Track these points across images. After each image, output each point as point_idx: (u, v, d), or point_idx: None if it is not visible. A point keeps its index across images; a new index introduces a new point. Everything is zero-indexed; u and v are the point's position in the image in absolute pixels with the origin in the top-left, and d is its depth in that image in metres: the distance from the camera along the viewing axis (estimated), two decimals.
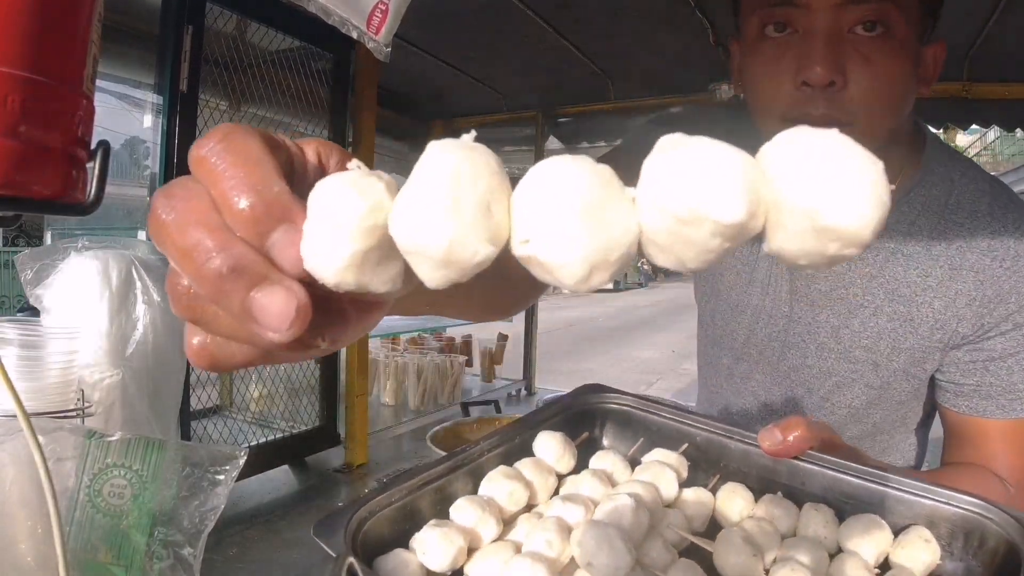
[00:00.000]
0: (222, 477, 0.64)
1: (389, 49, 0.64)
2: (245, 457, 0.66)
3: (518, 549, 0.49)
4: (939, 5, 0.73)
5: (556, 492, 0.58)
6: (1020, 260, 0.71)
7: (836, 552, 0.50)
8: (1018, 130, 1.84)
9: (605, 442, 0.69)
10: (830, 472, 0.55)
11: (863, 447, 0.78)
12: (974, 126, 1.88)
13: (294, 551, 1.10)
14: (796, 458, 0.56)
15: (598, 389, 0.71)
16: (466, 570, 0.48)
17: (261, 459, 1.30)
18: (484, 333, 2.53)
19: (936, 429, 0.84)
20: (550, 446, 0.60)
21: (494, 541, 0.50)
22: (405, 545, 0.47)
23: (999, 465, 0.72)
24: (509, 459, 0.59)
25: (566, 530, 0.47)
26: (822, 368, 0.82)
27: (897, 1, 0.63)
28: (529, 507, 0.55)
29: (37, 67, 0.38)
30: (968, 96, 1.77)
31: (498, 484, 0.54)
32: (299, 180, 0.28)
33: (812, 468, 0.56)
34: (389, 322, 2.30)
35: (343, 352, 1.51)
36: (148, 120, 1.12)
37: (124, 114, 1.27)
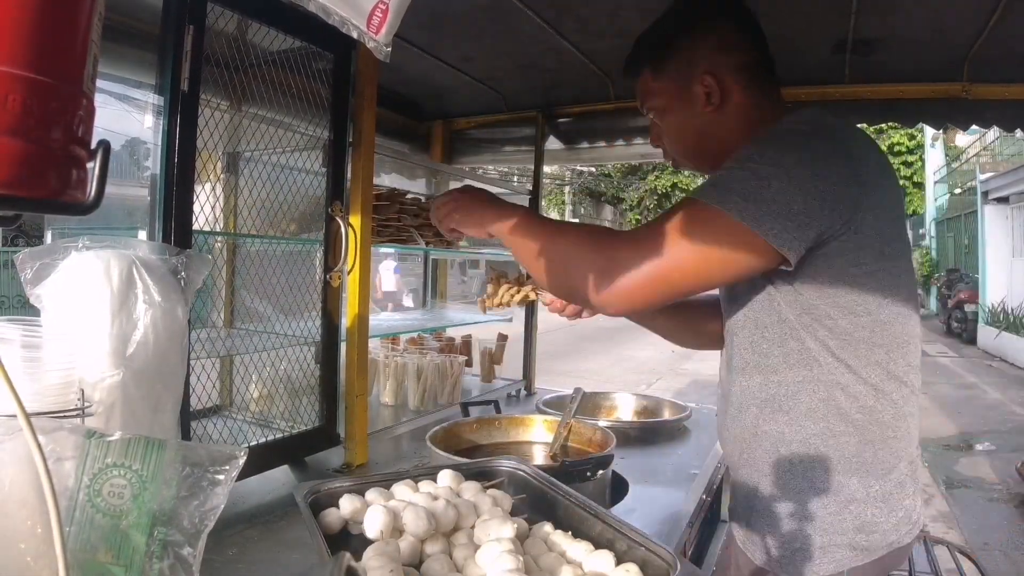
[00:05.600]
0: (222, 477, 0.64)
1: (389, 49, 0.64)
2: (245, 457, 0.66)
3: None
4: (679, 55, 1.06)
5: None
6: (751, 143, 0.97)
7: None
8: (1018, 130, 1.84)
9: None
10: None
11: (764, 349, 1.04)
12: (974, 126, 1.88)
13: (294, 551, 1.10)
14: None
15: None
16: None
17: (261, 459, 1.30)
18: (484, 333, 2.53)
19: None
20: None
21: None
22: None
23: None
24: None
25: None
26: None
27: (655, 98, 1.10)
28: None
29: (37, 67, 0.38)
30: (968, 96, 1.77)
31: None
32: None
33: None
34: (389, 322, 2.30)
35: (343, 352, 1.51)
36: (148, 120, 1.12)
37: (124, 114, 1.26)
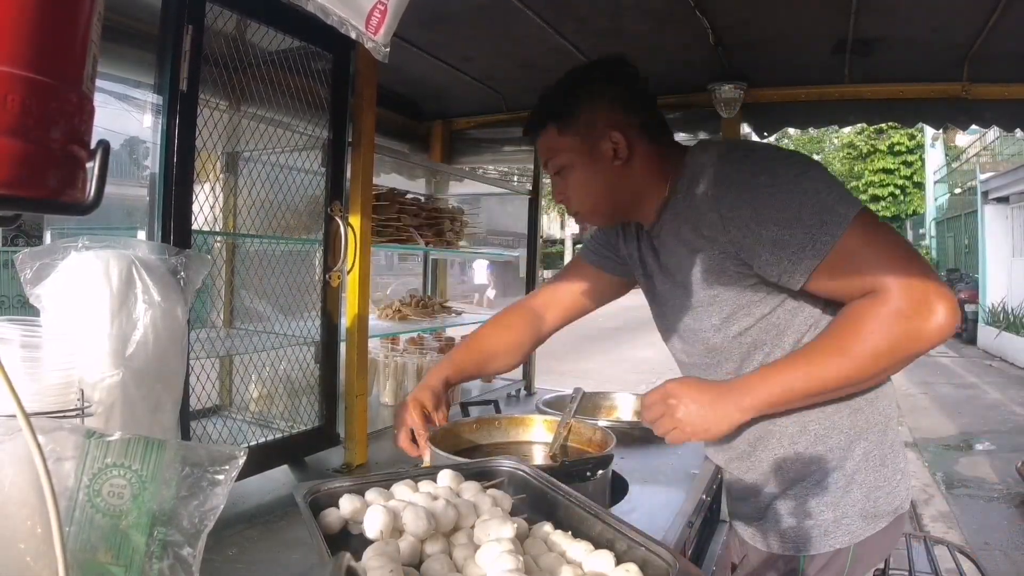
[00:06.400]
0: (222, 477, 0.64)
1: (388, 49, 0.64)
2: (245, 457, 0.66)
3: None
4: (584, 114, 1.10)
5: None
6: (717, 183, 0.98)
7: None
8: (1018, 130, 1.84)
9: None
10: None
11: (759, 359, 1.06)
12: (974, 126, 1.88)
13: (294, 551, 1.10)
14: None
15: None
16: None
17: (261, 459, 1.30)
18: None
19: None
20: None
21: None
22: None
23: (866, 274, 0.89)
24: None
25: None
26: (691, 313, 1.11)
27: (559, 154, 1.13)
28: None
29: (37, 66, 0.38)
30: (968, 96, 1.77)
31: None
32: None
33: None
34: (389, 322, 2.30)
35: (343, 352, 1.51)
36: (148, 120, 1.12)
37: (124, 114, 1.26)
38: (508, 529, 0.81)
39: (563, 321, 1.43)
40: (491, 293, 12.97)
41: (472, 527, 0.85)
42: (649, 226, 1.17)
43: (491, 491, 0.96)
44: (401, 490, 0.94)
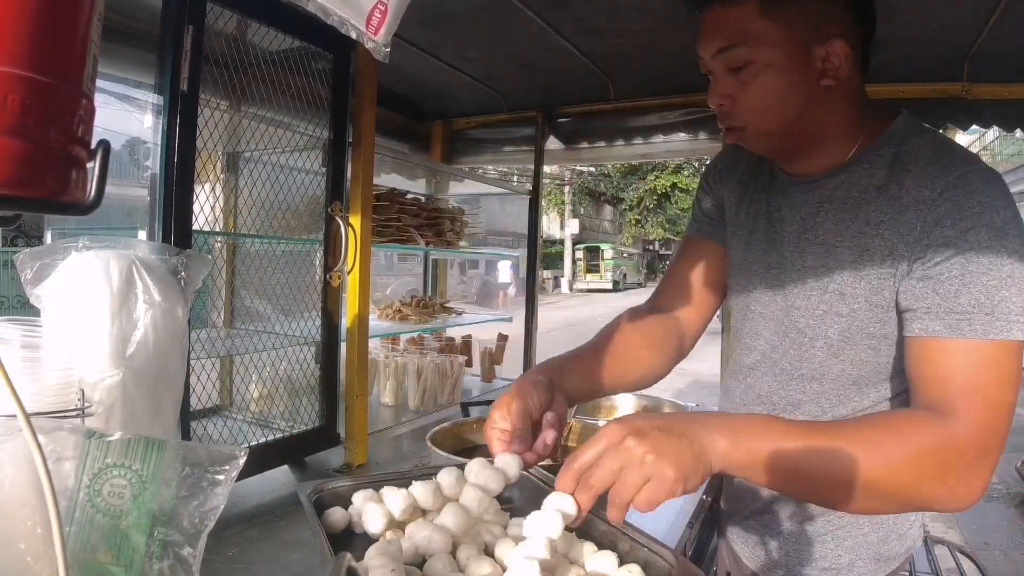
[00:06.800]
0: (222, 477, 0.64)
1: (388, 49, 0.64)
2: (245, 457, 0.65)
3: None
4: (842, 11, 0.83)
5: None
6: (954, 189, 0.78)
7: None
8: (1018, 130, 1.84)
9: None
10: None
11: (849, 393, 0.91)
12: (974, 126, 1.87)
13: (294, 551, 1.10)
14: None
15: None
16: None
17: (261, 459, 1.30)
18: (484, 333, 2.53)
19: None
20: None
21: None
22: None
23: (951, 386, 0.75)
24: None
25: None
26: (808, 306, 0.92)
27: (752, 44, 0.82)
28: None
29: (37, 66, 0.38)
30: (968, 96, 1.77)
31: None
32: None
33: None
34: (389, 322, 2.30)
35: (343, 352, 1.51)
36: (148, 120, 1.12)
37: (124, 114, 1.26)
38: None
39: (704, 324, 1.13)
40: (512, 291, 14.40)
41: (476, 527, 0.85)
42: (800, 179, 0.94)
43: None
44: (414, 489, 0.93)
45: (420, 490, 0.80)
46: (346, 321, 1.50)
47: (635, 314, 1.08)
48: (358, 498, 0.88)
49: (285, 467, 1.42)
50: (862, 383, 0.90)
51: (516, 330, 2.43)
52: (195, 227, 1.15)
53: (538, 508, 0.74)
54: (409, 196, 2.15)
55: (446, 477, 0.84)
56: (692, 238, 1.14)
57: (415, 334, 2.30)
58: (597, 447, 0.67)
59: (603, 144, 2.31)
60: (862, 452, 0.69)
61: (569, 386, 0.92)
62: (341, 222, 1.43)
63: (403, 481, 0.97)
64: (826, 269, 0.89)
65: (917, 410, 0.77)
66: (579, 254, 26.46)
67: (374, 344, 2.09)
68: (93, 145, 0.43)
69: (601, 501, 0.69)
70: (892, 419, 0.77)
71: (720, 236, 1.10)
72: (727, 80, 0.86)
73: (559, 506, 0.68)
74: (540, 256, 2.51)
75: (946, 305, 0.76)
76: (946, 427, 0.71)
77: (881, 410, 0.90)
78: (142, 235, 1.14)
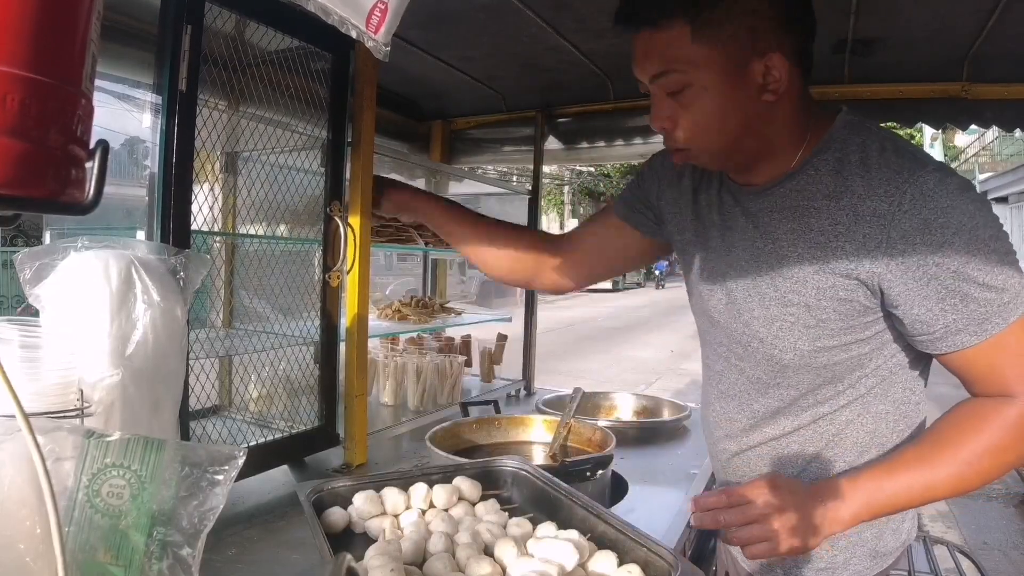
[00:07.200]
0: (221, 477, 0.64)
1: (388, 49, 0.64)
2: (244, 457, 0.65)
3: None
4: (738, 19, 0.81)
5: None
6: (912, 202, 0.78)
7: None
8: (1017, 130, 1.84)
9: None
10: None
11: (828, 394, 0.92)
12: (973, 126, 1.88)
13: (294, 551, 1.10)
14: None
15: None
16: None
17: (260, 459, 1.29)
18: (484, 333, 2.53)
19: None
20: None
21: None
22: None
23: (1004, 379, 0.81)
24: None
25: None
26: (767, 316, 0.92)
27: (687, 70, 0.81)
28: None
29: (37, 66, 0.38)
30: (967, 96, 1.77)
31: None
32: None
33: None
34: (388, 322, 2.30)
35: (342, 352, 1.51)
36: (147, 120, 1.12)
37: (123, 113, 1.26)
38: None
39: (576, 278, 1.25)
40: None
41: (475, 526, 0.85)
42: (750, 189, 0.93)
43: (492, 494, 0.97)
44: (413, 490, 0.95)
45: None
46: (345, 321, 1.50)
47: (532, 230, 1.32)
48: (359, 498, 0.88)
49: (285, 467, 1.42)
50: (836, 380, 0.92)
51: (516, 330, 2.43)
52: (194, 227, 1.15)
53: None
54: None
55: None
56: (609, 213, 1.23)
57: (414, 334, 2.29)
58: (746, 493, 0.82)
59: (603, 144, 2.31)
60: (963, 455, 0.82)
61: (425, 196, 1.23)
62: (340, 222, 1.43)
63: (403, 481, 0.97)
64: (782, 278, 0.89)
65: (981, 400, 0.85)
66: None
67: (373, 344, 2.09)
68: (92, 145, 0.43)
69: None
70: (970, 416, 0.85)
71: (639, 223, 1.17)
72: (666, 103, 0.86)
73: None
74: None
75: (960, 319, 0.79)
76: (1015, 408, 0.81)
77: (864, 398, 0.93)
78: (141, 235, 1.14)
